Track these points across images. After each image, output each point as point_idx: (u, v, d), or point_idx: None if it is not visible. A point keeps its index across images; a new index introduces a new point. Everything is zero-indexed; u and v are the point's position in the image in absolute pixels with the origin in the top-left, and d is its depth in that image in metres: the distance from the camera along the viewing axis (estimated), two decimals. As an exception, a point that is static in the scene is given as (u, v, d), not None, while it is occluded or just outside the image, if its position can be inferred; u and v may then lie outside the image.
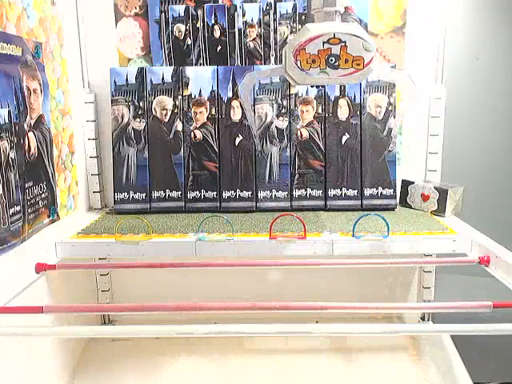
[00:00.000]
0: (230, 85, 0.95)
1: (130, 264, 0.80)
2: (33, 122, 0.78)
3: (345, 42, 0.71)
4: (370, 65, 0.72)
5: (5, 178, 0.68)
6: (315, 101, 0.95)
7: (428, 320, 1.08)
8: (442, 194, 0.90)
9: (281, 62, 0.97)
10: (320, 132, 0.95)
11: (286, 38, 0.97)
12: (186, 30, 0.97)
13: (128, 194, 0.96)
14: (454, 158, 1.04)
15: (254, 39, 0.97)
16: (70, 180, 0.93)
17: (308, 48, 0.71)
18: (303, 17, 0.96)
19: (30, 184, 0.77)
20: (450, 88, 1.00)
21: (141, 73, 0.95)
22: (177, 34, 0.97)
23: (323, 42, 0.71)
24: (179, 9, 0.96)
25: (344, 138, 0.95)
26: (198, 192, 0.96)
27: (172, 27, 0.97)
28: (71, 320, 0.86)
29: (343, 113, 0.95)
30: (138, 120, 0.96)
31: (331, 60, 0.71)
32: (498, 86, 1.07)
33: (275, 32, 0.97)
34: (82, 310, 0.61)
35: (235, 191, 0.96)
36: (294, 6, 0.96)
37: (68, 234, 0.82)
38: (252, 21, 0.96)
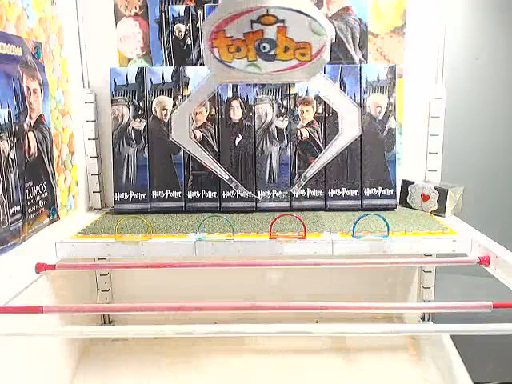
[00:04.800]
0: (230, 85, 0.95)
1: (129, 264, 0.80)
2: (33, 122, 0.78)
3: (283, 22, 0.50)
4: (322, 54, 0.52)
5: (5, 178, 0.68)
6: (315, 101, 0.95)
7: (428, 320, 1.08)
8: (442, 194, 0.90)
9: (281, 61, 0.98)
10: (320, 132, 0.95)
11: (286, 37, 0.97)
12: (185, 29, 0.97)
13: (128, 194, 0.96)
14: (453, 158, 1.04)
15: (253, 39, 0.97)
16: (70, 180, 0.93)
17: (229, 30, 0.51)
18: (303, 17, 0.96)
19: (30, 184, 0.77)
20: (450, 88, 1.00)
21: (141, 73, 0.95)
22: (177, 34, 0.97)
23: (252, 21, 0.50)
24: (179, 9, 0.96)
25: (344, 138, 0.95)
26: (197, 192, 0.96)
27: (172, 27, 0.97)
28: (71, 320, 0.86)
29: (343, 113, 0.95)
30: (138, 120, 0.96)
31: (263, 48, 0.52)
32: (497, 86, 1.07)
33: (275, 32, 0.97)
34: (82, 310, 0.61)
35: (235, 191, 0.96)
36: (294, 6, 0.96)
37: (68, 234, 0.82)
38: (252, 21, 0.96)
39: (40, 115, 0.80)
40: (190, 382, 0.94)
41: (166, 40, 0.98)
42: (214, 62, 0.53)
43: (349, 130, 0.58)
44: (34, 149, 0.78)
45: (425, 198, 0.93)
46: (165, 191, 0.96)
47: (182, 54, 0.98)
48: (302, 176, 0.67)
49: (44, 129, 0.81)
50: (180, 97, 0.95)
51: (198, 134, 0.95)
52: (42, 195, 0.81)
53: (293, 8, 0.50)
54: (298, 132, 0.95)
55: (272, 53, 0.51)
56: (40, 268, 0.72)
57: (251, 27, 0.50)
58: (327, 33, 0.52)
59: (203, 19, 0.96)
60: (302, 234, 0.78)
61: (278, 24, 0.50)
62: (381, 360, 0.98)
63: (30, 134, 0.77)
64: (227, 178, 0.65)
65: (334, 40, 0.97)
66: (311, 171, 0.64)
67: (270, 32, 0.51)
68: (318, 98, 0.95)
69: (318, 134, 0.95)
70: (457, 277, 1.11)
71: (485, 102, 1.08)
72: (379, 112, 0.95)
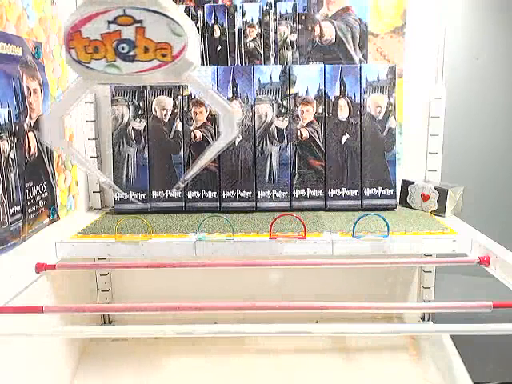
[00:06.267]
0: (230, 85, 0.95)
1: (130, 264, 0.80)
2: (33, 122, 0.78)
3: (141, 22, 0.49)
4: (184, 54, 0.52)
5: (5, 178, 0.68)
6: (315, 101, 0.95)
7: (428, 320, 1.08)
8: (442, 194, 0.90)
9: (281, 62, 0.98)
10: (320, 132, 0.95)
11: (286, 38, 0.97)
12: (185, 30, 0.97)
13: (128, 194, 0.96)
14: (453, 158, 1.04)
15: (254, 39, 0.97)
16: (70, 180, 0.93)
17: (86, 30, 0.49)
18: (303, 17, 0.96)
19: (30, 184, 0.77)
20: (450, 88, 1.00)
21: (141, 73, 0.95)
22: (177, 34, 0.97)
23: (108, 22, 0.49)
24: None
25: (344, 138, 0.95)
26: (197, 192, 0.96)
27: (172, 27, 0.97)
28: (71, 320, 0.86)
29: (343, 113, 0.95)
30: (138, 120, 0.96)
31: (122, 48, 0.50)
32: (497, 86, 1.07)
33: (275, 32, 0.97)
34: (82, 310, 0.61)
35: (235, 191, 0.96)
36: (294, 6, 0.96)
37: (68, 234, 0.82)
38: (252, 21, 0.96)
39: (40, 115, 0.80)
40: (190, 382, 0.94)
41: (166, 40, 0.98)
42: (73, 63, 0.52)
43: (226, 132, 0.58)
44: (34, 149, 0.78)
45: (425, 198, 0.93)
46: (165, 191, 0.96)
47: (181, 54, 0.98)
48: (181, 178, 0.66)
49: (44, 129, 0.81)
50: (180, 97, 0.95)
51: (198, 134, 0.95)
52: (42, 195, 0.81)
53: (149, 8, 0.49)
54: (298, 132, 0.95)
55: (131, 53, 0.50)
56: (40, 268, 0.72)
57: (108, 28, 0.50)
58: (187, 33, 0.50)
59: (203, 19, 0.97)
60: (302, 234, 0.78)
61: (136, 25, 0.50)
62: (381, 360, 0.98)
63: (30, 134, 0.77)
64: (103, 180, 0.65)
65: (333, 40, 0.97)
66: (190, 174, 0.64)
67: (128, 32, 0.50)
68: (317, 98, 0.95)
69: (317, 133, 0.95)
70: (457, 277, 1.11)
71: (485, 102, 1.08)
72: (379, 112, 0.95)
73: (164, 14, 0.49)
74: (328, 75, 0.95)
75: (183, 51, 0.51)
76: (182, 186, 0.67)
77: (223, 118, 0.57)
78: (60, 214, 0.88)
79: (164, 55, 0.50)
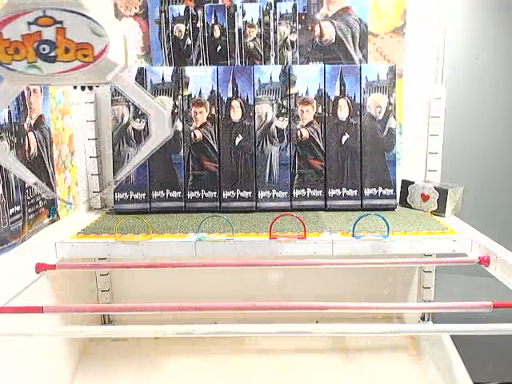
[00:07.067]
0: (230, 85, 0.95)
1: (130, 264, 0.80)
2: (33, 122, 0.78)
3: (61, 23, 0.49)
4: (105, 55, 0.51)
5: (5, 177, 0.68)
6: (315, 101, 0.95)
7: (428, 320, 1.08)
8: (442, 194, 0.90)
9: (281, 62, 0.98)
10: (320, 132, 0.95)
11: (286, 38, 0.97)
12: (185, 30, 0.97)
13: (128, 193, 0.96)
14: (453, 158, 1.04)
15: (253, 39, 0.97)
16: (69, 180, 0.93)
17: (6, 32, 0.49)
18: (303, 17, 0.96)
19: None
20: (450, 88, 1.00)
21: (141, 73, 0.95)
22: (177, 34, 0.97)
23: (29, 23, 0.49)
24: (179, 9, 0.96)
25: (344, 138, 0.95)
26: (197, 192, 0.96)
27: (172, 27, 0.97)
28: (71, 320, 0.86)
29: (343, 113, 0.95)
30: (138, 120, 0.96)
31: (43, 49, 0.50)
32: (497, 86, 1.07)
33: (275, 32, 0.97)
34: (82, 310, 0.61)
35: (235, 191, 0.96)
36: (294, 6, 0.96)
37: (68, 233, 0.82)
38: (252, 21, 0.96)
39: (40, 115, 0.80)
40: (190, 382, 0.94)
41: (166, 40, 0.98)
42: None
43: (158, 133, 0.57)
44: (34, 149, 0.78)
45: (425, 198, 0.93)
46: (165, 191, 0.96)
47: (181, 54, 0.98)
48: (114, 179, 0.65)
49: (44, 129, 0.81)
50: (180, 97, 0.95)
51: (198, 134, 0.96)
52: (42, 195, 0.81)
53: (69, 9, 0.49)
54: (298, 132, 0.95)
55: (52, 54, 0.50)
56: (40, 268, 0.72)
57: (29, 29, 0.49)
58: (108, 34, 0.50)
59: (203, 19, 0.97)
60: (302, 234, 0.78)
61: (57, 25, 0.49)
62: (381, 360, 0.98)
63: (30, 134, 0.77)
64: (33, 181, 0.65)
65: (333, 40, 0.97)
66: (121, 174, 0.64)
67: (49, 33, 0.49)
68: (317, 98, 0.95)
69: (317, 133, 0.95)
70: (457, 277, 1.11)
71: (485, 102, 1.08)
72: (379, 112, 0.95)
73: (84, 15, 0.49)
74: (328, 75, 0.95)
75: (105, 52, 0.50)
76: (114, 186, 0.67)
77: (154, 119, 0.56)
78: (60, 214, 0.88)
79: (85, 56, 0.50)
